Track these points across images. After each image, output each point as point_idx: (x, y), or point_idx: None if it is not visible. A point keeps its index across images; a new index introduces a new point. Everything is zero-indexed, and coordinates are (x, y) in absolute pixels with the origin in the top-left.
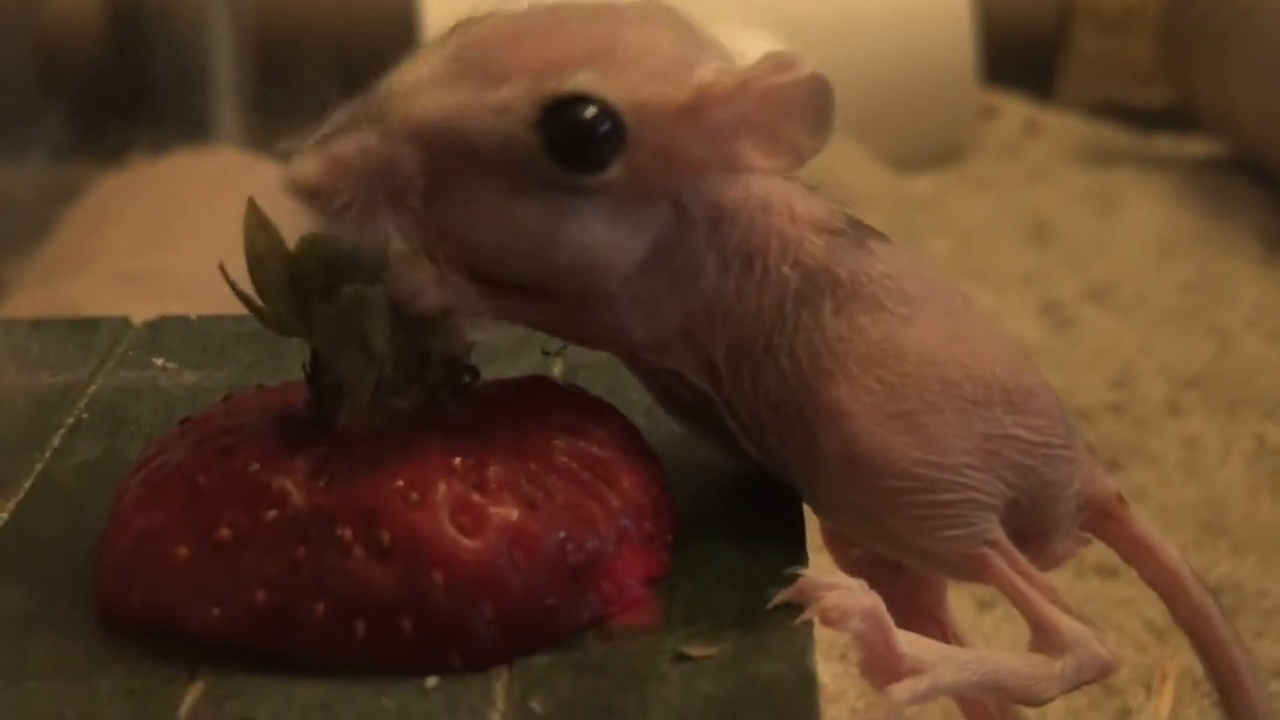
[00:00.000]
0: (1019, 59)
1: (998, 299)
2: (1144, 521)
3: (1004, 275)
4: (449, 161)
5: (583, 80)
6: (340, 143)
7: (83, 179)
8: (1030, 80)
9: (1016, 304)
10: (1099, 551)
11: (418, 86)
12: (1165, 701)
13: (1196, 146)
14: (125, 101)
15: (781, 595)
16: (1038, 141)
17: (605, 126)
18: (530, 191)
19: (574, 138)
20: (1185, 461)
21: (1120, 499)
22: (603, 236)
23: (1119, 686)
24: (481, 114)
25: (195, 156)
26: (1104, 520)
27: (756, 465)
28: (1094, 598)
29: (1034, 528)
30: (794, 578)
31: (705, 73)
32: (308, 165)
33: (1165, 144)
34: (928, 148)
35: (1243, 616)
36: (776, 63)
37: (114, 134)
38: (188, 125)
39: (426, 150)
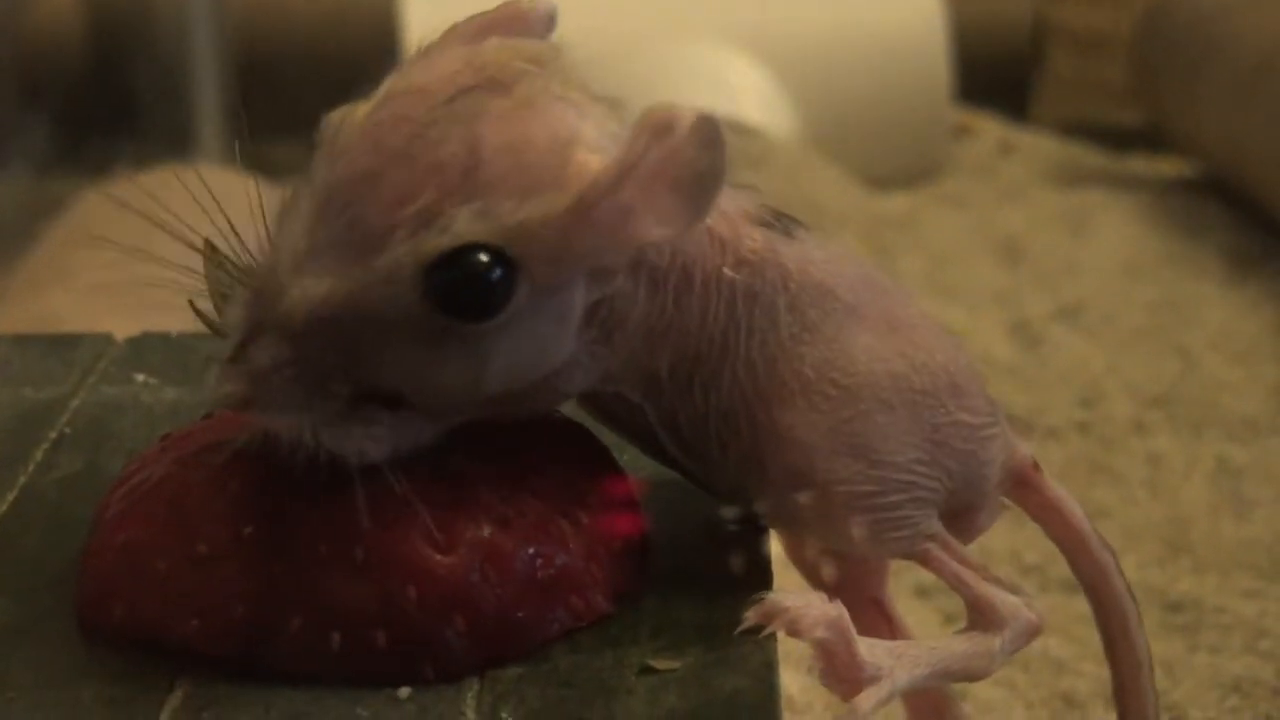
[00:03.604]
0: (994, 79)
1: (969, 318)
2: (1056, 486)
3: (976, 294)
4: (356, 338)
5: (460, 230)
6: (252, 356)
7: (65, 193)
8: (1005, 100)
9: (987, 323)
10: (1062, 568)
11: (300, 268)
12: None
13: (1167, 167)
14: (108, 116)
15: (749, 617)
16: (1012, 161)
17: (495, 272)
18: (446, 343)
19: (466, 293)
20: (1149, 480)
21: (1035, 465)
22: (530, 347)
23: (1080, 700)
24: (370, 289)
25: (177, 172)
26: (1020, 487)
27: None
28: (1057, 612)
29: (965, 505)
30: (759, 600)
31: (583, 160)
32: (231, 385)
33: (1137, 164)
34: (902, 167)
35: (1202, 632)
36: (656, 127)
37: (96, 148)
38: (170, 140)
39: (332, 334)
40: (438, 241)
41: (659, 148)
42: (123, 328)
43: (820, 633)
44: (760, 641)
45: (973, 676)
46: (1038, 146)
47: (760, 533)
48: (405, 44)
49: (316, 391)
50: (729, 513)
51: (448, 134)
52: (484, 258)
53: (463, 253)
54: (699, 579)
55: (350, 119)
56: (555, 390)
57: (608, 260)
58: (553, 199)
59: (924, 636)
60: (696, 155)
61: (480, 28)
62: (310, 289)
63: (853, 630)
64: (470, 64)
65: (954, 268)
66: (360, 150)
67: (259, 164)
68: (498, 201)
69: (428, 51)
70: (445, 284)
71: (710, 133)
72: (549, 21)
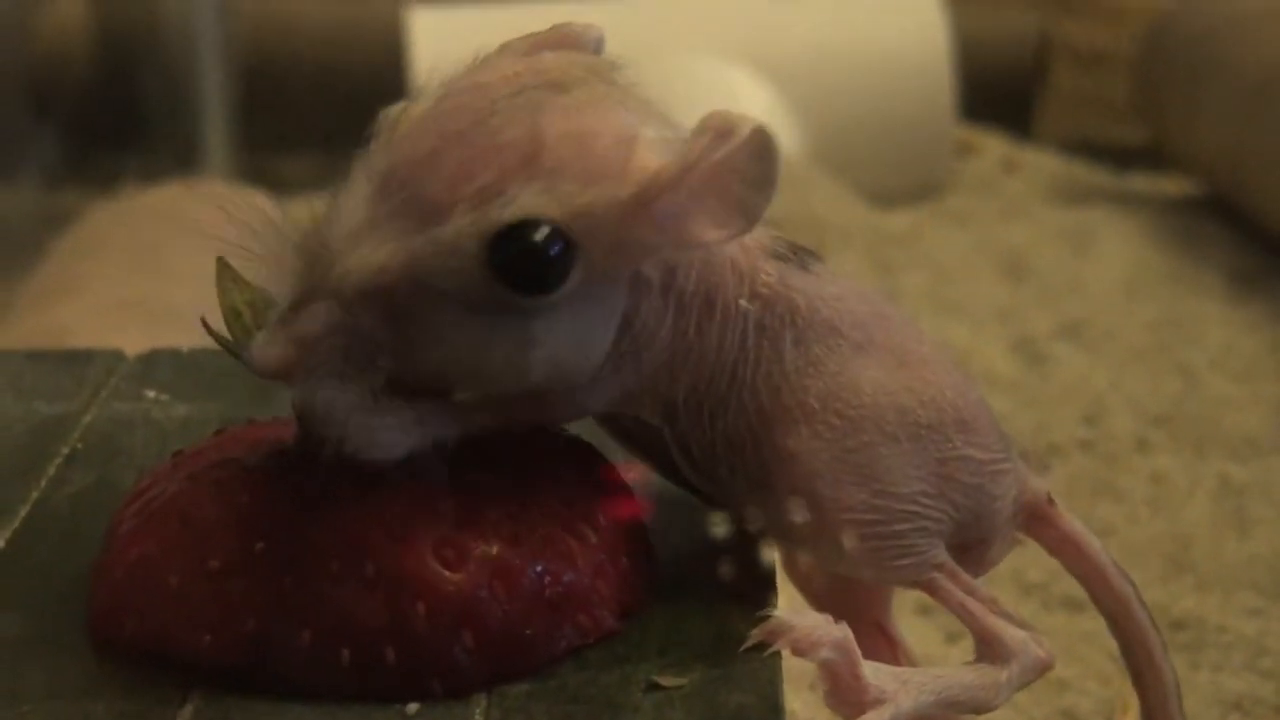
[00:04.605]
0: (998, 97)
1: (972, 335)
2: (1071, 519)
3: (979, 311)
4: (410, 311)
5: (524, 203)
6: (302, 321)
7: (74, 206)
8: (1009, 118)
9: (990, 340)
10: (1065, 586)
11: (358, 238)
12: None
13: (1169, 185)
14: (115, 129)
15: (754, 636)
16: (1015, 179)
17: (556, 247)
18: (496, 321)
19: (527, 266)
20: (1152, 498)
21: (1050, 500)
22: (574, 340)
23: (1082, 717)
24: (431, 258)
25: (184, 187)
26: (1035, 521)
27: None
28: (1060, 631)
29: (976, 538)
30: (765, 618)
31: (643, 158)
32: (275, 348)
33: (1139, 182)
34: (906, 184)
35: (1204, 651)
36: (717, 131)
37: (105, 162)
38: (178, 153)
39: (385, 306)
40: (502, 213)
41: (718, 151)
42: (131, 341)
43: (826, 653)
44: (766, 659)
45: (979, 708)
46: (1041, 164)
47: (767, 552)
48: (413, 60)
49: (359, 366)
50: (736, 531)
51: (511, 121)
52: (546, 232)
53: (526, 225)
54: (706, 596)
55: (409, 111)
56: (576, 402)
57: (660, 256)
58: (615, 188)
59: (926, 654)
60: (751, 164)
61: (533, 45)
62: (367, 257)
63: (858, 652)
64: (530, 68)
65: (957, 285)
66: (421, 134)
67: (266, 178)
68: (560, 183)
69: (484, 61)
70: (508, 255)
71: (765, 143)
72: (598, 44)
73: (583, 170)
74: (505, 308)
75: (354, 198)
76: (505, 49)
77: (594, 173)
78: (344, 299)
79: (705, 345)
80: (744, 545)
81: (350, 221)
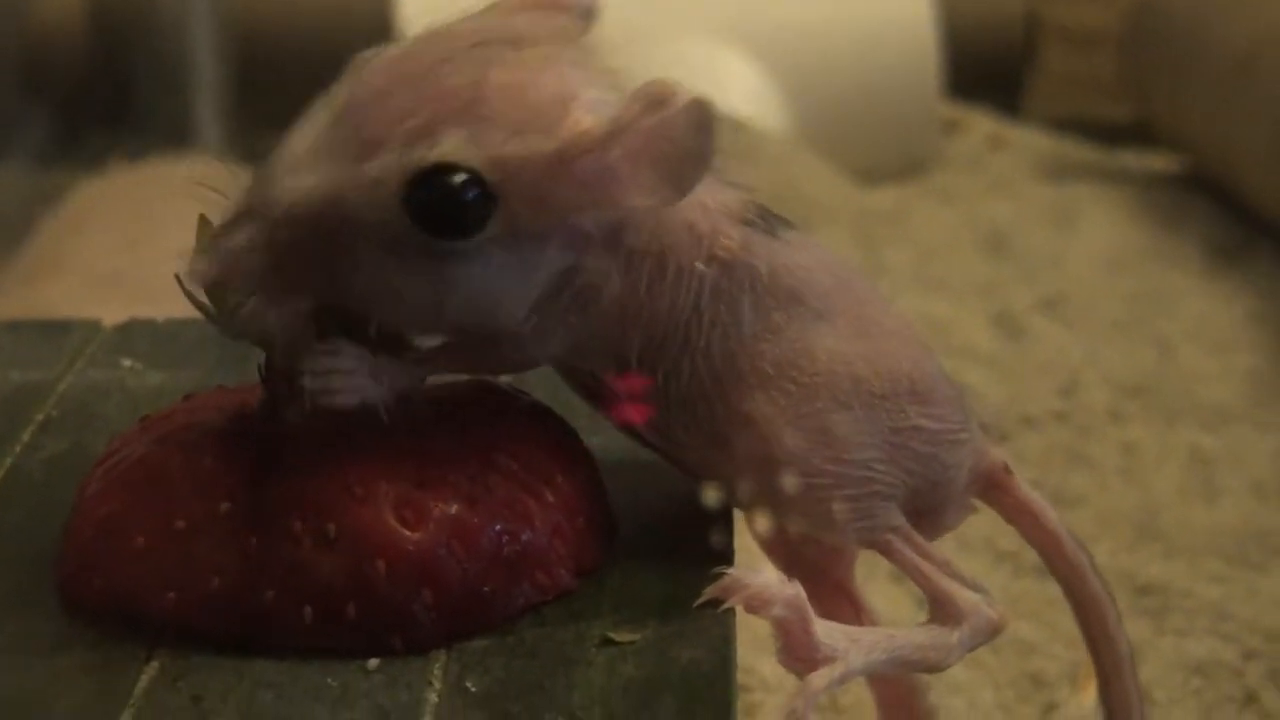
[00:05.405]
0: (985, 74)
1: (953, 309)
2: (1027, 488)
3: (961, 286)
4: (333, 240)
5: (447, 148)
6: (230, 238)
7: (63, 184)
8: (996, 95)
9: (970, 314)
10: (1036, 554)
11: (295, 166)
12: (1090, 695)
13: (1157, 162)
14: (106, 108)
15: (707, 593)
16: (1001, 156)
17: (471, 193)
18: (415, 259)
19: (441, 208)
20: (1123, 468)
21: (1007, 469)
22: (494, 287)
23: (1047, 681)
24: (354, 191)
25: (173, 164)
26: (992, 489)
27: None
28: (1028, 595)
29: (931, 505)
30: (720, 575)
31: (578, 117)
32: (204, 264)
33: (1127, 159)
34: (891, 160)
35: (1168, 616)
36: (651, 98)
37: (94, 140)
38: (168, 132)
39: (309, 232)
40: (424, 155)
41: (650, 118)
42: (117, 317)
43: (778, 611)
44: (719, 616)
45: (930, 668)
46: (1027, 141)
47: (724, 512)
48: (400, 37)
49: (282, 282)
50: (694, 491)
51: (459, 69)
52: (461, 178)
53: (443, 170)
54: (662, 555)
55: (379, 53)
56: (526, 351)
57: (585, 218)
58: (540, 141)
59: (899, 617)
60: (684, 134)
61: (520, 6)
62: (296, 183)
63: (810, 610)
64: (500, 24)
65: (940, 261)
66: (378, 75)
67: (257, 156)
68: (489, 132)
69: (467, 16)
70: (425, 198)
71: (702, 116)
72: (586, 10)
73: (514, 121)
74: (422, 249)
75: (307, 129)
76: (493, 8)
77: (524, 125)
78: (270, 220)
79: (656, 305)
80: (702, 504)
81: (296, 150)
